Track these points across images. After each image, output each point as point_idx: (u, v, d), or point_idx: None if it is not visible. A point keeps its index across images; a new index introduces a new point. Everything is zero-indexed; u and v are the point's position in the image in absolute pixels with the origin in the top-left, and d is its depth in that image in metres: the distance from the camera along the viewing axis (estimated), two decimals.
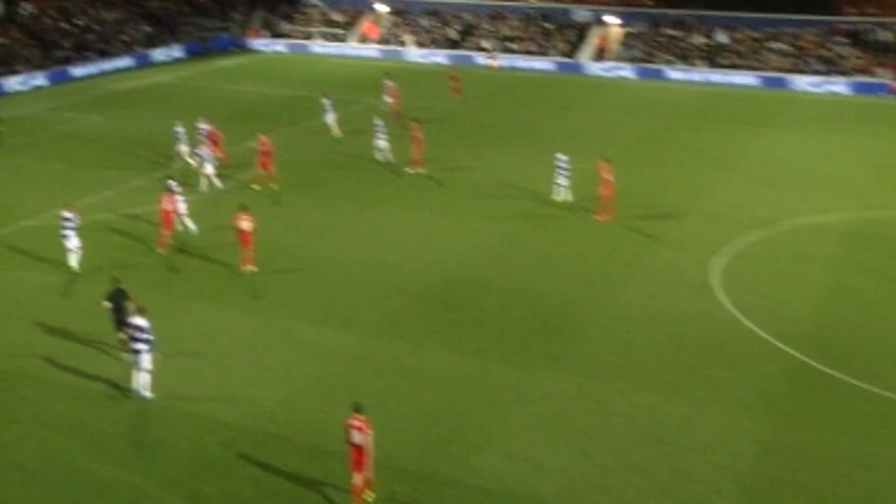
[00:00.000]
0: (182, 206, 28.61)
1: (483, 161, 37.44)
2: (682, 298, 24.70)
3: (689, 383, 20.51)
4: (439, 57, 61.47)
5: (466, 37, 63.44)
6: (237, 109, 47.08)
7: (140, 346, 19.50)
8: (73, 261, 26.30)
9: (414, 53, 62.59)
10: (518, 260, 27.37)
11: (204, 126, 35.37)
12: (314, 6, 69.39)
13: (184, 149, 35.38)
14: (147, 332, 19.46)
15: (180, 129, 35.85)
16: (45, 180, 34.53)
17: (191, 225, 28.70)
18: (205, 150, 33.38)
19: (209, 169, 32.91)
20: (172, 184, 28.89)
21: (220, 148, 35.12)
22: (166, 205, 27.79)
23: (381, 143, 36.22)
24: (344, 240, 28.94)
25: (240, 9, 70.88)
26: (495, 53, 60.47)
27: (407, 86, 49.72)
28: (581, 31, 61.40)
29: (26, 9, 59.81)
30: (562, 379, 20.60)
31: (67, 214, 26.23)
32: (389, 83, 45.55)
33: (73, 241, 26.22)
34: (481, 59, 60.46)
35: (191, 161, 34.81)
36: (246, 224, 26.09)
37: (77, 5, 62.71)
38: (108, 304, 21.22)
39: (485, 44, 61.64)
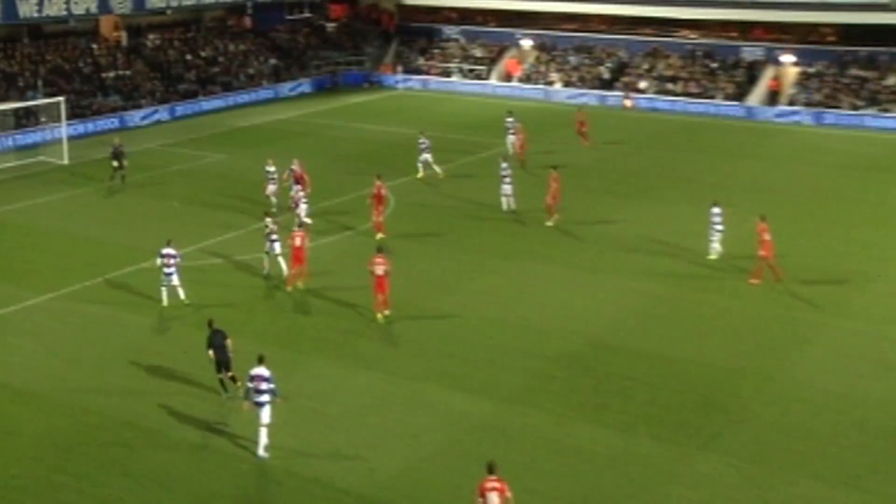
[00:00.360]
0: (277, 246, 30.11)
1: (630, 213, 37.37)
2: (867, 377, 23.86)
3: (875, 477, 19.73)
4: (589, 97, 61.84)
5: (619, 76, 63.65)
6: (363, 150, 48.51)
7: (263, 397, 20.28)
8: (181, 295, 28.25)
9: (561, 93, 63.19)
10: (671, 325, 27.11)
11: (295, 167, 36.92)
12: (454, 40, 71.11)
13: (272, 188, 37.47)
14: (270, 381, 20.30)
15: (271, 169, 37.77)
16: (164, 221, 36.37)
17: (283, 266, 30.08)
18: (297, 190, 35.52)
19: (303, 210, 34.68)
20: (269, 220, 30.60)
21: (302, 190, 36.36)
22: (297, 241, 29.21)
23: (506, 188, 36.91)
24: (476, 295, 29.33)
25: (373, 42, 73.32)
26: (630, 93, 60.58)
27: (548, 129, 50.21)
28: (751, 71, 60.63)
29: (150, 39, 63.62)
30: (720, 462, 20.19)
31: (171, 251, 28.07)
32: (510, 121, 46.26)
33: (175, 279, 28.09)
34: (636, 99, 60.50)
35: (275, 199, 37.09)
36: (381, 268, 27.03)
37: (204, 36, 66.34)
38: (211, 353, 22.66)
39: (642, 84, 61.69)
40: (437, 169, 42.09)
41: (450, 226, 35.96)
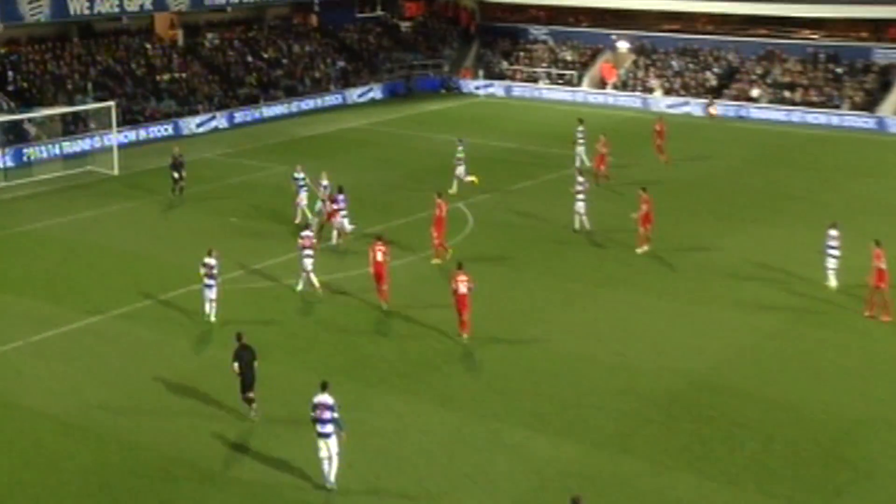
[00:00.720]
0: (309, 262, 31.31)
1: (736, 237, 37.16)
2: None
3: None
4: (693, 107, 61.53)
5: (729, 83, 63.20)
6: (439, 163, 48.65)
7: (328, 427, 20.63)
8: (212, 313, 29.47)
9: (661, 102, 62.98)
10: (785, 365, 26.81)
11: (325, 183, 37.67)
12: (541, 42, 71.40)
13: (303, 197, 38.68)
14: (334, 410, 20.66)
15: (300, 176, 38.84)
16: (221, 238, 36.95)
17: (302, 281, 31.57)
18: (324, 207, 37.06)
19: (344, 222, 36.23)
20: (307, 234, 31.80)
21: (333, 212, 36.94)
22: (379, 255, 30.13)
23: (579, 205, 37.23)
24: (564, 326, 29.38)
25: (451, 44, 73.95)
26: (713, 100, 60.26)
27: (645, 141, 49.91)
28: (885, 77, 59.66)
29: (209, 39, 64.95)
30: None
31: (212, 261, 29.34)
32: (580, 130, 46.60)
33: (213, 291, 29.45)
34: (747, 109, 60.10)
35: (309, 213, 38.34)
36: (464, 286, 27.65)
37: (266, 36, 67.61)
38: (235, 367, 23.51)
39: (754, 92, 61.17)
40: (459, 182, 42.61)
41: (532, 248, 36.10)
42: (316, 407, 20.78)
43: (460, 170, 42.86)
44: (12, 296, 32.12)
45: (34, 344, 28.49)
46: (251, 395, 23.67)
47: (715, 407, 24.46)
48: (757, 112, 59.95)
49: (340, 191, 36.81)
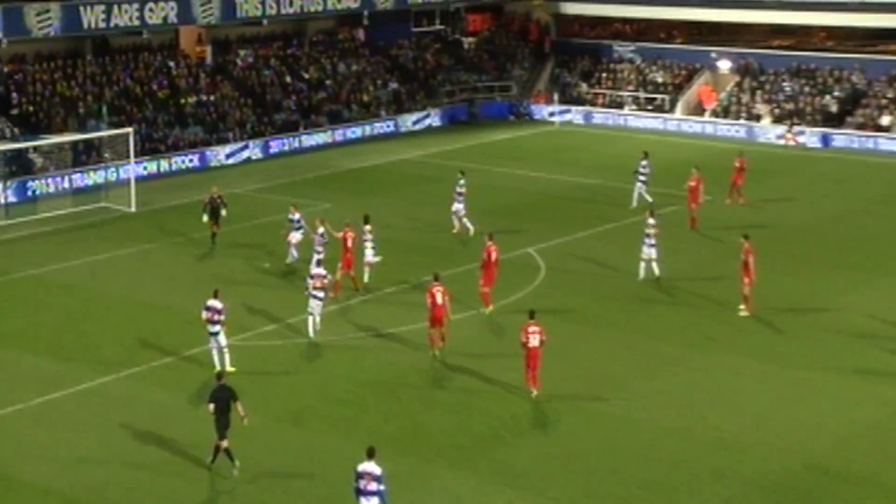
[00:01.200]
0: (317, 306, 32.38)
1: (855, 293, 37.03)
2: None
3: None
4: (808, 137, 61.14)
5: (853, 109, 62.75)
6: (507, 202, 49.20)
7: (373, 501, 20.79)
8: (226, 361, 30.11)
9: (770, 131, 62.73)
10: None
11: (321, 230, 37.91)
12: (627, 61, 71.50)
13: (297, 237, 39.88)
14: (381, 482, 20.82)
15: (295, 217, 40.10)
16: (250, 286, 37.56)
17: (311, 325, 32.82)
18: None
19: (369, 254, 37.34)
20: (318, 272, 32.97)
21: (348, 258, 37.17)
22: (438, 297, 30.84)
23: (648, 249, 37.60)
24: (652, 394, 29.29)
25: (522, 63, 74.31)
26: (793, 127, 60.20)
27: (747, 179, 49.72)
28: None
29: (241, 57, 65.82)
30: None
31: (216, 304, 30.09)
32: (644, 164, 46.99)
33: (222, 339, 30.19)
34: (875, 140, 59.65)
35: (295, 253, 39.77)
36: (536, 338, 28.16)
37: (307, 53, 68.46)
38: (211, 408, 24.26)
39: (884, 120, 60.68)
40: (469, 226, 43.19)
41: (614, 301, 36.25)
42: (361, 476, 20.93)
43: (458, 206, 43.50)
44: (13, 351, 32.63)
45: (37, 407, 28.83)
46: (225, 444, 24.25)
47: (834, 496, 24.20)
48: (887, 143, 59.50)
49: (367, 220, 37.61)
